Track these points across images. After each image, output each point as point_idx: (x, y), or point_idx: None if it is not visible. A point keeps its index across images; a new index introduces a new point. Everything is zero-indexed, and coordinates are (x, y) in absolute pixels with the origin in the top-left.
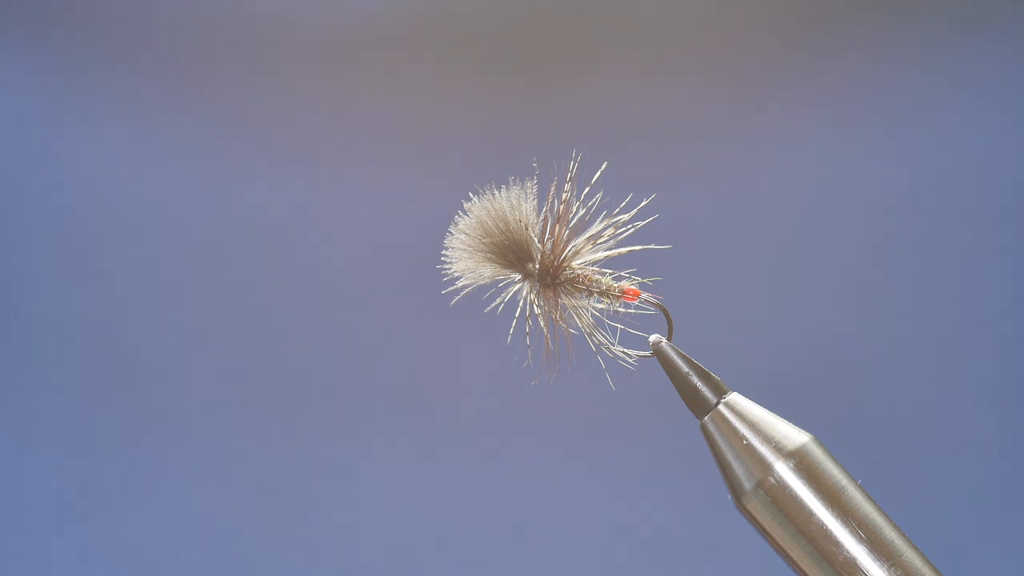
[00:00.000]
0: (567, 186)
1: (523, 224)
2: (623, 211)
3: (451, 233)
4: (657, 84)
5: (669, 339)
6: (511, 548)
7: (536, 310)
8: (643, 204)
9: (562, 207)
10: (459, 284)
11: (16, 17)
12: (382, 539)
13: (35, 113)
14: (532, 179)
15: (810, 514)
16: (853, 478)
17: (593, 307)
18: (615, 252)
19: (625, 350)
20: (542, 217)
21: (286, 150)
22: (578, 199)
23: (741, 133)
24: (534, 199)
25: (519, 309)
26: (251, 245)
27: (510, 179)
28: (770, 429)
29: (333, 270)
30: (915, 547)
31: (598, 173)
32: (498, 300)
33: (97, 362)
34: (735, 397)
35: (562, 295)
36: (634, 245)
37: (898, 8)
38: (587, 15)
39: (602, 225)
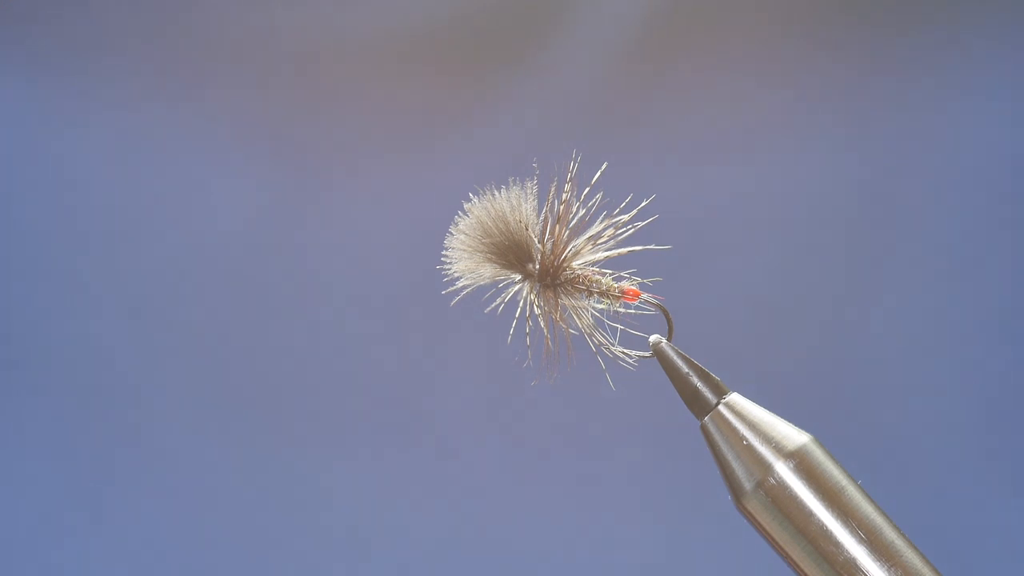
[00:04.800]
0: (567, 186)
1: (523, 224)
2: (623, 211)
3: (451, 233)
4: (657, 82)
5: (669, 339)
6: (506, 556)
7: (536, 310)
8: (643, 204)
9: (562, 207)
10: (459, 284)
11: (4, 24)
12: (373, 547)
13: (20, 118)
14: (532, 179)
15: (810, 515)
16: (853, 478)
17: (593, 307)
18: (615, 252)
19: (625, 350)
20: (542, 217)
21: (275, 154)
22: (578, 199)
23: (742, 131)
24: (534, 199)
25: (519, 309)
26: (240, 248)
27: (510, 179)
28: (770, 429)
29: (327, 274)
30: (915, 547)
31: (598, 173)
32: (498, 300)
33: (79, 366)
34: (735, 397)
35: (562, 295)
36: (634, 246)
37: (898, 6)
38: (583, 13)
39: (602, 225)
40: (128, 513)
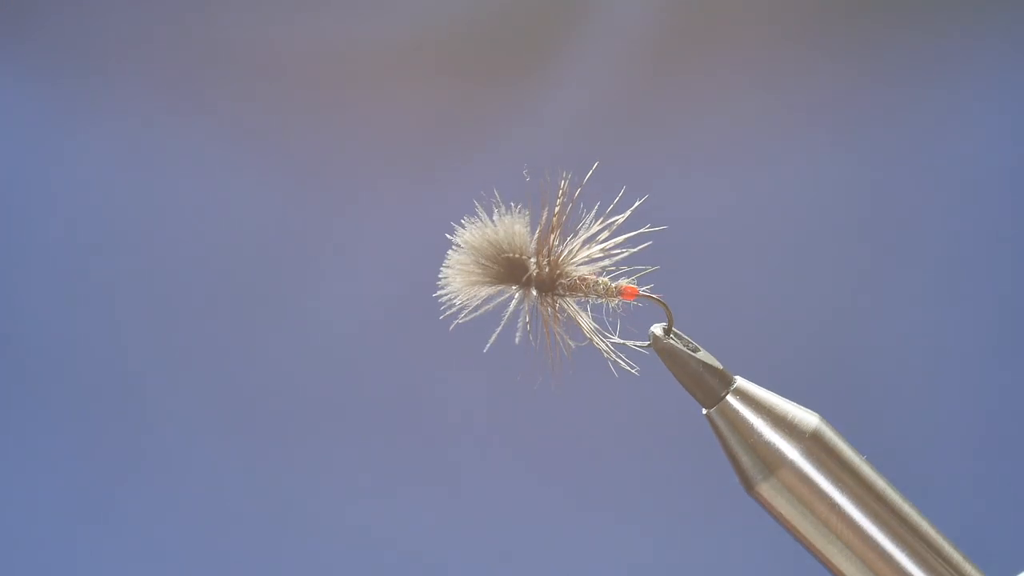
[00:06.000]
0: (559, 200)
1: (518, 250)
2: (616, 210)
3: (446, 262)
4: (653, 80)
5: (669, 331)
6: (512, 560)
7: (539, 312)
8: (636, 205)
9: (555, 219)
10: (457, 305)
11: (13, 32)
12: (377, 553)
13: (31, 127)
14: (524, 208)
15: (826, 497)
16: (861, 455)
17: (591, 311)
18: (611, 243)
19: (626, 341)
20: (536, 236)
21: (288, 164)
22: (571, 200)
23: (741, 126)
24: (526, 223)
25: (509, 313)
26: (252, 256)
27: (501, 207)
28: (780, 414)
29: (337, 283)
30: (929, 520)
31: (589, 173)
32: (501, 315)
33: (92, 377)
34: (741, 384)
35: (560, 301)
36: (628, 232)
37: (899, 8)
38: (582, 15)
39: (596, 228)
40: (135, 521)
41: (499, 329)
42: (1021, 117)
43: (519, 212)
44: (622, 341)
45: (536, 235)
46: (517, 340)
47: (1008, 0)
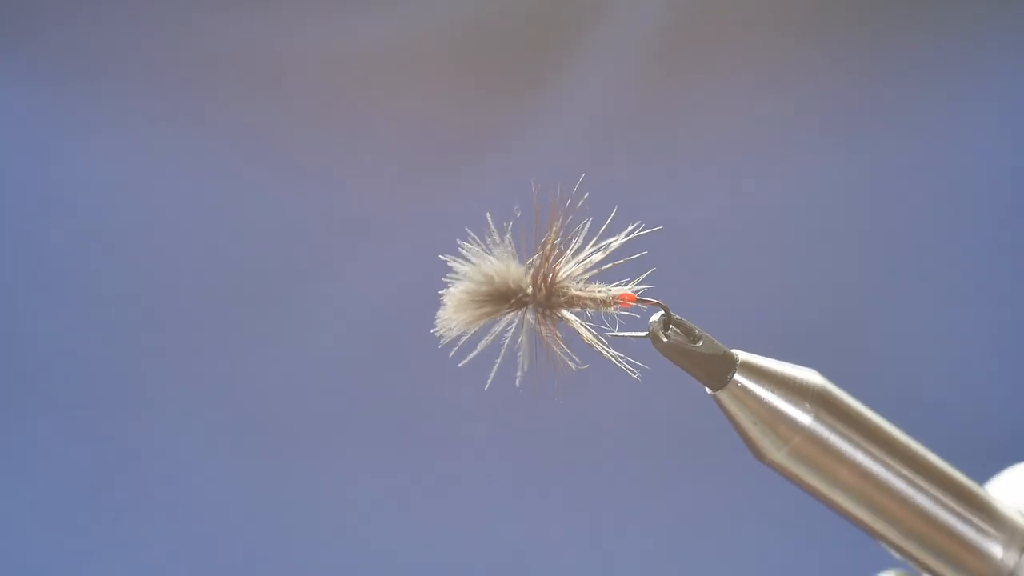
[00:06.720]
0: (553, 229)
1: (513, 282)
2: (612, 227)
3: (441, 296)
4: (657, 82)
5: (668, 325)
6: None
7: (539, 332)
8: (630, 229)
9: (549, 245)
10: (455, 332)
11: (15, 33)
12: (378, 570)
13: (34, 129)
14: (522, 223)
15: (840, 454)
16: (866, 405)
17: (591, 319)
18: (608, 252)
19: (624, 334)
20: (530, 261)
21: (288, 169)
22: (565, 224)
23: (743, 126)
24: (522, 264)
25: (509, 342)
26: (252, 264)
27: (495, 233)
28: (787, 381)
29: (336, 293)
30: (935, 453)
31: (577, 184)
32: (500, 342)
33: (91, 379)
34: (744, 359)
35: (558, 316)
36: (625, 238)
37: (900, 8)
38: (586, 18)
39: (591, 249)
40: (134, 525)
41: (498, 361)
42: (1021, 117)
43: (511, 245)
44: (620, 334)
45: (531, 260)
46: (518, 383)
47: (1008, 0)
